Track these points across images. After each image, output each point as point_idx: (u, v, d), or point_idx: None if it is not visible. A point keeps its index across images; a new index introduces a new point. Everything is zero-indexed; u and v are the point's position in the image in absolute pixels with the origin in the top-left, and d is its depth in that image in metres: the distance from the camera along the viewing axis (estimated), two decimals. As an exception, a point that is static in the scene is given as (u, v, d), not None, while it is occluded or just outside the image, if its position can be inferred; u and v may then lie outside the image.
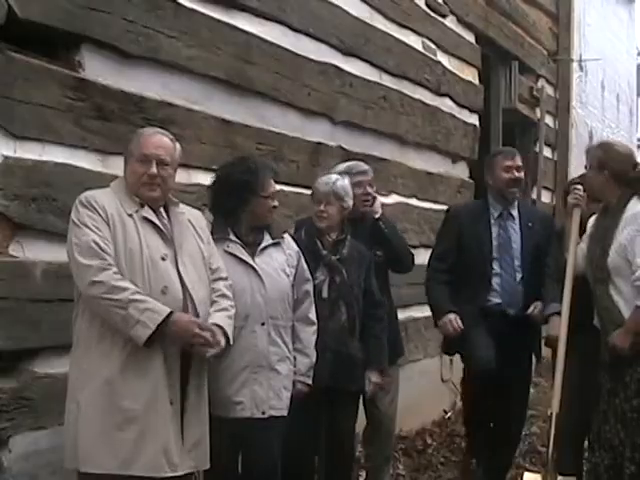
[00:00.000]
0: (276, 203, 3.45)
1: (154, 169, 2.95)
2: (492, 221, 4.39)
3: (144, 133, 3.06)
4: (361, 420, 4.39)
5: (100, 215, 2.85)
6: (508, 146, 7.80)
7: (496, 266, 4.32)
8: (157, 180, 2.96)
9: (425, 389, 4.54)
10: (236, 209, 3.38)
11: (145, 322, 2.76)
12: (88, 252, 2.79)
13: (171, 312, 2.82)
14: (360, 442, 4.67)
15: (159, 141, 3.01)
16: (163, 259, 2.92)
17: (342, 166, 4.28)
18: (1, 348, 3.03)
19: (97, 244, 2.80)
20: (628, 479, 3.56)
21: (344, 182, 3.88)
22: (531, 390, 7.43)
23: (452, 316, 4.27)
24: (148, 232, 2.93)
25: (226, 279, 3.16)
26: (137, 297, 2.78)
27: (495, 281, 4.31)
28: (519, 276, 4.32)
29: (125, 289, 2.77)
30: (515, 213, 4.41)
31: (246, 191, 3.36)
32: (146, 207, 2.96)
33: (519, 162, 4.45)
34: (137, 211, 2.94)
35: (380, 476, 4.48)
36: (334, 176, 3.92)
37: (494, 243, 4.34)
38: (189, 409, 2.96)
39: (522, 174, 4.45)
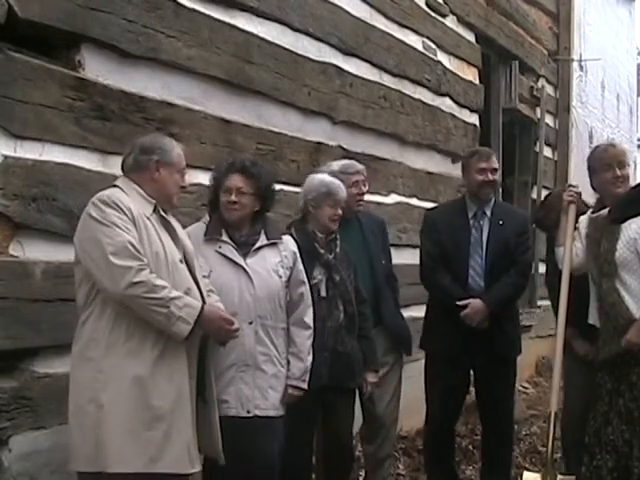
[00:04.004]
0: (232, 198, 3.36)
1: (187, 182, 3.18)
2: (469, 222, 4.38)
3: (176, 143, 3.15)
4: (360, 419, 4.41)
5: (127, 216, 2.86)
6: (509, 146, 7.93)
7: (470, 267, 4.32)
8: None
9: (425, 389, 4.53)
10: (218, 209, 3.42)
11: (185, 318, 2.84)
12: (124, 253, 2.79)
13: (203, 305, 2.92)
14: (359, 441, 4.68)
15: None
16: (181, 262, 2.99)
17: (336, 165, 4.27)
18: (1, 348, 3.03)
19: (132, 245, 2.82)
20: (637, 479, 3.54)
21: None
22: (531, 390, 7.52)
23: (479, 304, 4.22)
24: (165, 235, 2.99)
25: (208, 277, 3.25)
26: (175, 294, 2.85)
27: (469, 282, 4.31)
28: (484, 276, 4.32)
29: (164, 287, 2.83)
30: (489, 212, 4.40)
31: (213, 191, 3.45)
32: (160, 210, 3.01)
33: (494, 164, 4.41)
34: (152, 214, 2.98)
35: (380, 475, 4.48)
36: (337, 180, 3.91)
37: (470, 243, 4.34)
38: (212, 404, 3.06)
39: (497, 176, 4.43)
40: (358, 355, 3.86)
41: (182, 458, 2.89)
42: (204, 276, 3.20)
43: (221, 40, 4.07)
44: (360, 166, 4.33)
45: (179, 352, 2.90)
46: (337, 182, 3.88)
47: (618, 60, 11.81)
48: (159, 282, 2.82)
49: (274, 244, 3.47)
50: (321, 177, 3.91)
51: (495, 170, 4.41)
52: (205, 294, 3.07)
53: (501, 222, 4.37)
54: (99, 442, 2.80)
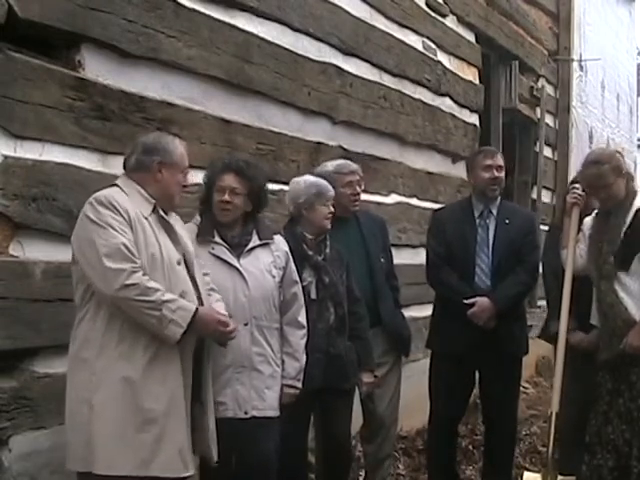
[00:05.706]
0: (225, 197, 3.36)
1: (189, 181, 3.15)
2: (476, 221, 4.41)
3: (179, 142, 3.11)
4: (360, 419, 4.40)
5: (123, 217, 2.84)
6: (509, 146, 7.93)
7: (476, 265, 4.34)
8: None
9: (425, 388, 4.52)
10: (210, 209, 3.41)
11: (177, 321, 2.82)
12: (118, 255, 2.78)
13: (197, 308, 2.90)
14: (359, 441, 4.67)
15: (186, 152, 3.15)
16: (179, 263, 2.97)
17: (330, 165, 4.26)
18: (1, 348, 3.03)
19: (126, 247, 2.80)
20: (636, 478, 3.55)
21: None
22: (531, 390, 7.52)
23: (486, 302, 4.23)
24: (163, 236, 2.97)
25: (208, 274, 3.23)
26: (168, 297, 2.83)
27: (476, 280, 4.32)
28: (491, 275, 4.33)
29: (157, 290, 2.81)
30: (495, 211, 4.43)
31: (206, 190, 3.44)
32: (160, 210, 2.99)
33: (499, 162, 4.45)
34: (150, 214, 2.96)
35: (380, 475, 4.48)
36: (321, 179, 3.90)
37: (477, 242, 4.36)
38: (208, 406, 3.05)
39: (502, 173, 4.46)
40: (351, 356, 3.85)
41: (175, 461, 2.87)
42: (205, 274, 3.19)
43: (221, 40, 4.07)
44: (354, 166, 4.31)
45: (172, 355, 2.88)
46: (322, 181, 3.87)
47: (618, 60, 11.82)
48: (152, 285, 2.80)
49: (266, 244, 3.46)
50: (305, 179, 3.90)
51: (501, 167, 4.44)
52: (204, 295, 3.05)
53: (507, 221, 4.40)
54: (89, 443, 2.80)
